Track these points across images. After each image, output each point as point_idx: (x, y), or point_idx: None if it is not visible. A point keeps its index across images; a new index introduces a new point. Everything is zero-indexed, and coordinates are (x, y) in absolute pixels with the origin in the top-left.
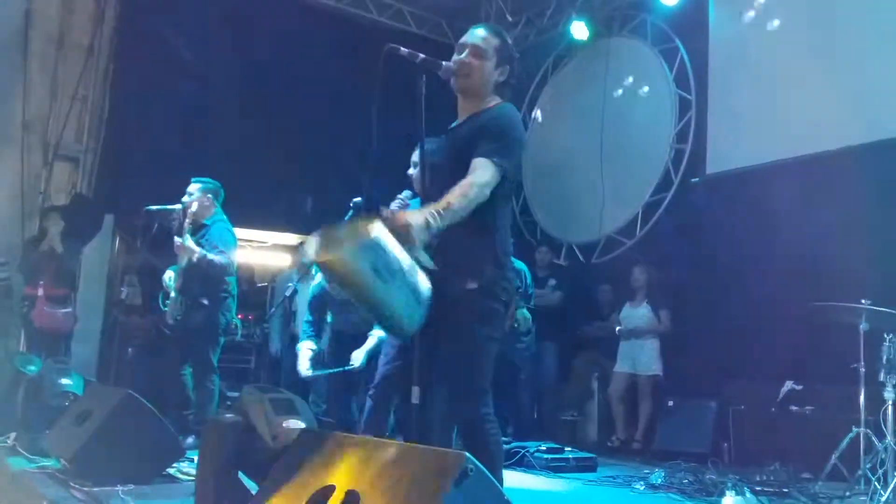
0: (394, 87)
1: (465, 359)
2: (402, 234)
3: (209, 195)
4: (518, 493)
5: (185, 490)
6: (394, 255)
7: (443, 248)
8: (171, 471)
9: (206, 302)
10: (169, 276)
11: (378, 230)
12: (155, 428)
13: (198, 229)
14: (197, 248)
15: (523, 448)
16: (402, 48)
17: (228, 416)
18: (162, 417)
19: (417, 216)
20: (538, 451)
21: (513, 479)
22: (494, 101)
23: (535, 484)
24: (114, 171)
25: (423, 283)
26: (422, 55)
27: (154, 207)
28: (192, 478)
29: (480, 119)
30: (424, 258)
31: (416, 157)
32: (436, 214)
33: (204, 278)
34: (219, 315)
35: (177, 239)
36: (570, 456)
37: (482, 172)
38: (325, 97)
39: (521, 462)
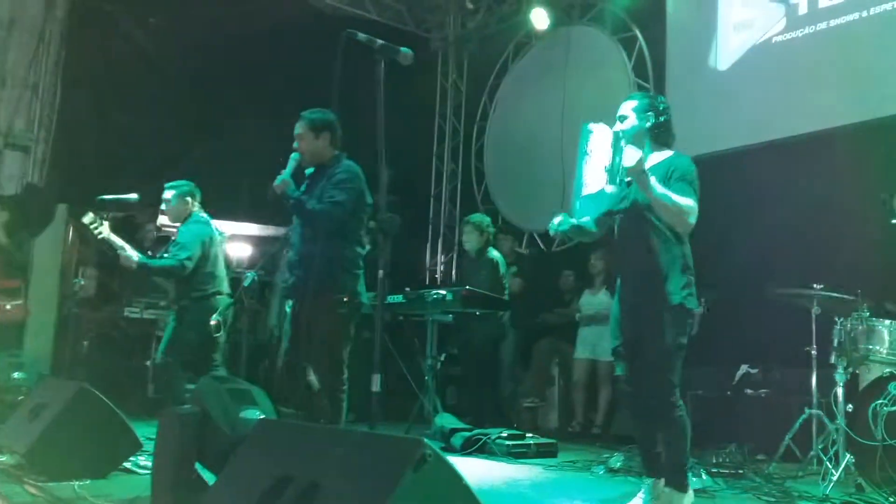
0: (353, 72)
1: (663, 360)
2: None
3: (186, 198)
4: (479, 480)
5: (142, 483)
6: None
7: (647, 276)
8: (127, 464)
9: (185, 304)
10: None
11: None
12: (111, 421)
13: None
14: (135, 259)
15: (485, 435)
16: (361, 33)
17: (185, 407)
18: (118, 411)
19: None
20: (499, 437)
21: (474, 465)
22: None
23: (497, 470)
24: (66, 161)
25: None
26: (380, 41)
27: (108, 197)
28: (150, 471)
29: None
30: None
31: (300, 128)
32: (653, 179)
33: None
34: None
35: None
36: (531, 442)
37: (692, 204)
38: (283, 83)
39: (483, 449)
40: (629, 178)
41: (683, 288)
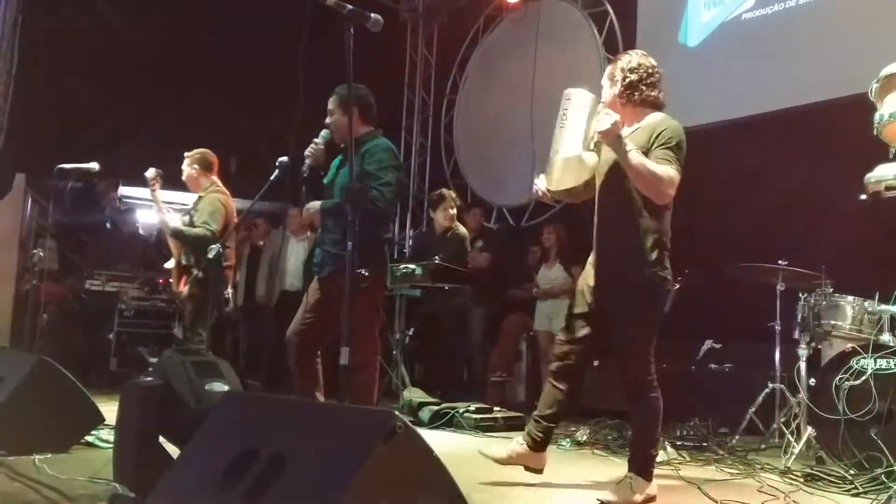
0: (320, 40)
1: (639, 337)
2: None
3: (195, 166)
4: (447, 453)
5: (104, 457)
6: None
7: (623, 245)
8: (89, 438)
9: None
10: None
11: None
12: (71, 394)
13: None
14: (169, 223)
15: (453, 409)
16: None
17: (148, 379)
18: (79, 383)
19: (619, 130)
20: (467, 411)
21: (442, 438)
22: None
23: (465, 443)
24: (24, 129)
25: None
26: (349, 6)
27: (67, 166)
28: (112, 445)
29: (655, 128)
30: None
31: (331, 104)
32: (631, 146)
33: (192, 252)
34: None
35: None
36: (499, 415)
37: (672, 173)
38: (249, 53)
39: (451, 423)
40: (597, 141)
41: (656, 262)
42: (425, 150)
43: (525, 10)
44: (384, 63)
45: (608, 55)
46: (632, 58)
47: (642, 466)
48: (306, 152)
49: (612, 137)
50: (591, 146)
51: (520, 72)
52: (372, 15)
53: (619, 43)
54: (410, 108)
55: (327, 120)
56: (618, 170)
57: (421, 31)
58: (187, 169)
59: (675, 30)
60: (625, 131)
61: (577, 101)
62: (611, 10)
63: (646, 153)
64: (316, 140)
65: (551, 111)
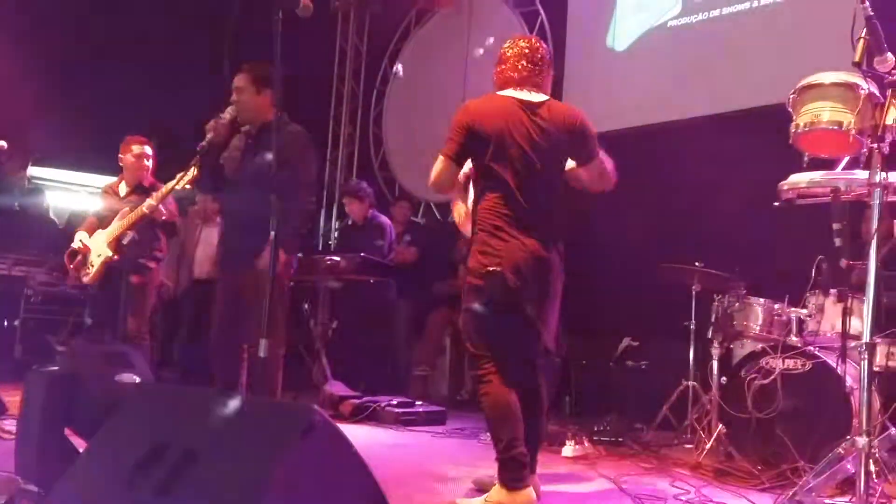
0: (248, 22)
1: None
2: None
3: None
4: (367, 447)
5: (6, 448)
6: None
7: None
8: None
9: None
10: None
11: None
12: None
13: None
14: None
15: (374, 402)
16: None
17: (54, 368)
18: None
19: None
20: (389, 405)
21: (363, 432)
22: None
23: (385, 437)
24: None
25: None
26: None
27: None
28: (14, 436)
29: None
30: None
31: (241, 81)
32: None
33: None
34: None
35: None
36: (421, 410)
37: None
38: (169, 33)
39: (372, 416)
40: None
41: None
42: (353, 141)
43: (457, 6)
44: (313, 50)
45: None
46: None
47: (499, 472)
48: (208, 126)
49: None
50: None
51: (451, 67)
52: (301, 0)
53: (549, 44)
54: (339, 98)
55: (234, 97)
56: None
57: (352, 20)
58: (150, 162)
59: (603, 33)
60: None
61: None
62: (542, 11)
63: None
64: (222, 115)
65: None
